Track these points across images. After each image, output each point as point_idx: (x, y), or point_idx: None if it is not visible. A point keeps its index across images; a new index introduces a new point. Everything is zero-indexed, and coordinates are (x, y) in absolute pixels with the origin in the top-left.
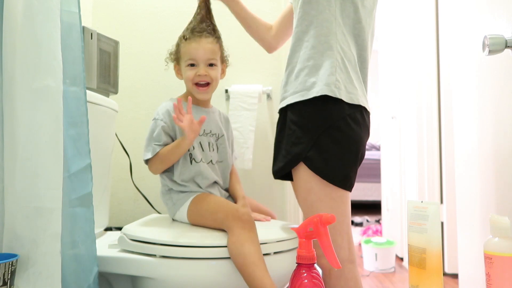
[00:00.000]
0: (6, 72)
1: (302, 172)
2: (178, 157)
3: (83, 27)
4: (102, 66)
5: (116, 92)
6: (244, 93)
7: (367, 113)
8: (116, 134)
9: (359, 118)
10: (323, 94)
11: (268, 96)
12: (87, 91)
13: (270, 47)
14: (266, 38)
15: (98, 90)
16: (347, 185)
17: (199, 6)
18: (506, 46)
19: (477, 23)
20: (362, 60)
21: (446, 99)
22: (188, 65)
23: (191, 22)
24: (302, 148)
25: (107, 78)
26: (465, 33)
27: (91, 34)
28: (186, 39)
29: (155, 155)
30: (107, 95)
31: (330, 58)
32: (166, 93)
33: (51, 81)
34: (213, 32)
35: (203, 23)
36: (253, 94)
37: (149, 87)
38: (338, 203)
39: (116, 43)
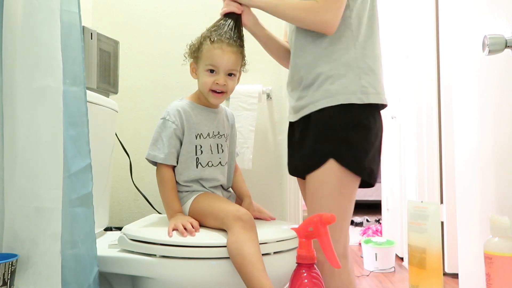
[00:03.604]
0: (6, 72)
1: (323, 168)
2: (163, 200)
3: (83, 27)
4: (102, 66)
5: (116, 92)
6: (244, 93)
7: (380, 108)
8: (116, 134)
9: (377, 115)
10: (350, 102)
11: (268, 96)
12: (87, 91)
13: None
14: (287, 60)
15: (98, 90)
16: (373, 179)
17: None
18: (506, 46)
19: (477, 23)
20: (376, 57)
21: (446, 99)
22: (208, 70)
23: (220, 26)
24: (332, 145)
25: (107, 78)
26: (465, 33)
27: (91, 34)
28: (212, 42)
29: (165, 173)
30: (107, 95)
31: (353, 67)
32: (166, 93)
33: (51, 81)
34: (240, 41)
35: (233, 31)
36: (253, 94)
37: (149, 87)
38: (346, 199)
39: (116, 43)
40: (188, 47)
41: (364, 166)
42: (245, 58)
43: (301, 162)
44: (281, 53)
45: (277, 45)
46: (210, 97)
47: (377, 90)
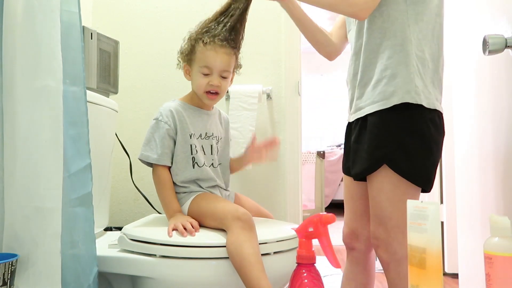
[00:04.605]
0: (6, 72)
1: (379, 173)
2: (161, 201)
3: (83, 27)
4: (102, 66)
5: (116, 92)
6: (244, 93)
7: (442, 115)
8: (116, 134)
9: (437, 121)
10: (405, 102)
11: (268, 96)
12: (87, 91)
13: (330, 55)
14: (327, 46)
15: (98, 90)
16: (429, 186)
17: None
18: (506, 46)
19: (477, 23)
20: (437, 61)
21: (446, 99)
22: (202, 72)
23: (214, 26)
24: (386, 151)
25: (107, 78)
26: (465, 33)
27: (91, 34)
28: (204, 44)
29: (161, 174)
30: (107, 95)
31: (407, 66)
32: (166, 93)
33: (51, 81)
34: (234, 42)
35: (229, 31)
36: (253, 94)
37: (149, 87)
38: (405, 204)
39: (116, 43)
40: (179, 52)
41: (420, 174)
42: (239, 59)
43: (357, 165)
44: (318, 36)
45: (313, 25)
46: (205, 99)
47: (425, 94)
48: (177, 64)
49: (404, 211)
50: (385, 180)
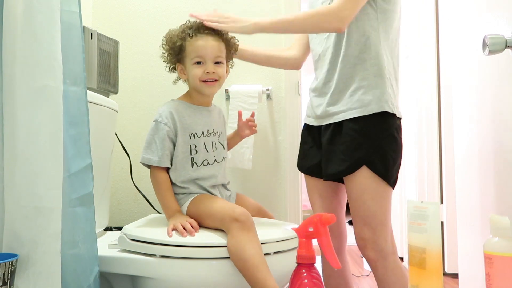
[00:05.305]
0: (6, 72)
1: (358, 173)
2: (160, 201)
3: (83, 27)
4: (102, 66)
5: (116, 92)
6: (244, 93)
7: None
8: (116, 134)
9: (401, 127)
10: (384, 110)
11: (268, 96)
12: (87, 91)
13: (294, 66)
14: (288, 64)
15: (98, 90)
16: (395, 185)
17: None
18: (506, 46)
19: (477, 23)
20: (397, 75)
21: (446, 99)
22: (195, 63)
23: (194, 22)
24: (364, 153)
25: (107, 78)
26: (465, 33)
27: (91, 34)
28: (191, 37)
29: (158, 175)
30: (107, 95)
31: (382, 78)
32: (166, 93)
33: (51, 81)
34: (219, 31)
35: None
36: (253, 94)
37: (149, 87)
38: (386, 201)
39: (116, 43)
40: (167, 58)
41: (392, 174)
42: (232, 44)
43: (333, 166)
44: (275, 61)
45: (267, 56)
46: (204, 88)
47: (395, 104)
48: (169, 71)
49: (386, 209)
50: (364, 181)
